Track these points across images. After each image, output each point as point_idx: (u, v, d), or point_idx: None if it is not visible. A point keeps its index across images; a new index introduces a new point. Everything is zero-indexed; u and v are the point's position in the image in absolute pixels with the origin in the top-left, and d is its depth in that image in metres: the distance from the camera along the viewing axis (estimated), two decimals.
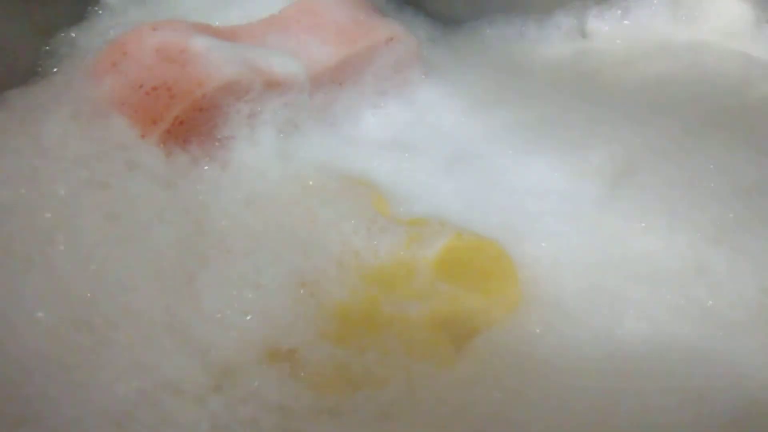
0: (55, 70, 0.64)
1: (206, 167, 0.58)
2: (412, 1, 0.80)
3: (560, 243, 0.58)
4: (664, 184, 0.62)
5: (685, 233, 0.58)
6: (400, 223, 0.57)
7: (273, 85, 0.60)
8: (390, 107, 0.70)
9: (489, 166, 0.66)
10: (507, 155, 0.67)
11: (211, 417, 0.46)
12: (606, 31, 0.81)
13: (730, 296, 0.54)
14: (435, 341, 0.52)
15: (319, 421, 0.47)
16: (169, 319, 0.50)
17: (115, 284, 0.50)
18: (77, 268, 0.50)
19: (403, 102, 0.71)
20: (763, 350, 0.51)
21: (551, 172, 0.65)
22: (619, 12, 0.81)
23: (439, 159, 0.66)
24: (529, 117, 0.71)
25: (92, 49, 0.62)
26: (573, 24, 0.81)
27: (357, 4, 0.68)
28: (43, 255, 0.51)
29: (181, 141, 0.57)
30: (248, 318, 0.50)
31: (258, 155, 0.60)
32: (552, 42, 0.80)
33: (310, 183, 0.59)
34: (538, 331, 0.52)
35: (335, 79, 0.65)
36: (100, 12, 0.71)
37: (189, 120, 0.57)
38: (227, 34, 0.63)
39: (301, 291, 0.52)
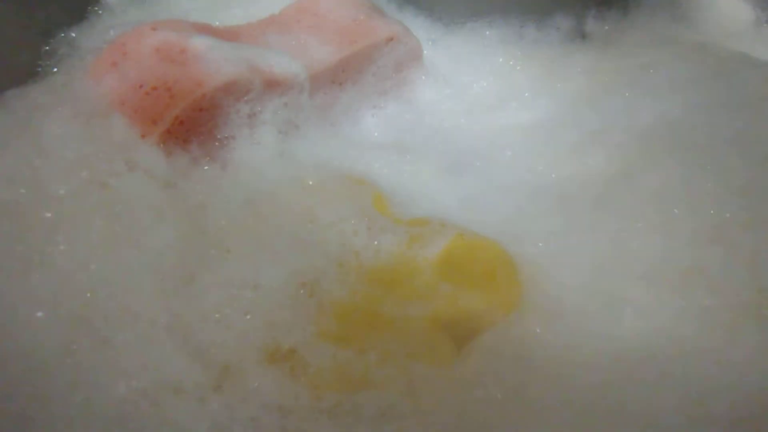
0: (55, 70, 0.64)
1: (206, 167, 0.58)
2: (413, 2, 0.80)
3: (559, 243, 0.58)
4: (662, 185, 0.62)
5: (683, 233, 0.58)
6: (401, 223, 0.57)
7: (273, 85, 0.60)
8: (390, 107, 0.70)
9: (488, 167, 0.66)
10: (506, 156, 0.67)
11: (211, 417, 0.46)
12: (605, 32, 0.81)
13: (727, 296, 0.54)
14: (435, 341, 0.52)
15: (318, 421, 0.47)
16: (169, 319, 0.50)
17: (115, 284, 0.50)
18: (77, 268, 0.50)
19: (403, 102, 0.71)
20: (761, 350, 0.51)
21: (550, 173, 0.65)
22: (619, 13, 0.81)
23: (438, 160, 0.66)
24: (529, 118, 0.71)
25: (92, 49, 0.62)
26: (572, 25, 0.81)
27: (357, 4, 0.68)
28: (43, 255, 0.51)
29: (181, 141, 0.57)
30: (248, 318, 0.50)
31: (258, 155, 0.60)
32: (551, 43, 0.81)
33: (310, 183, 0.59)
34: (538, 331, 0.52)
35: (335, 79, 0.66)
36: (100, 12, 0.71)
37: (189, 120, 0.57)
38: (227, 34, 0.63)
39: (301, 291, 0.52)
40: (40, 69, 0.64)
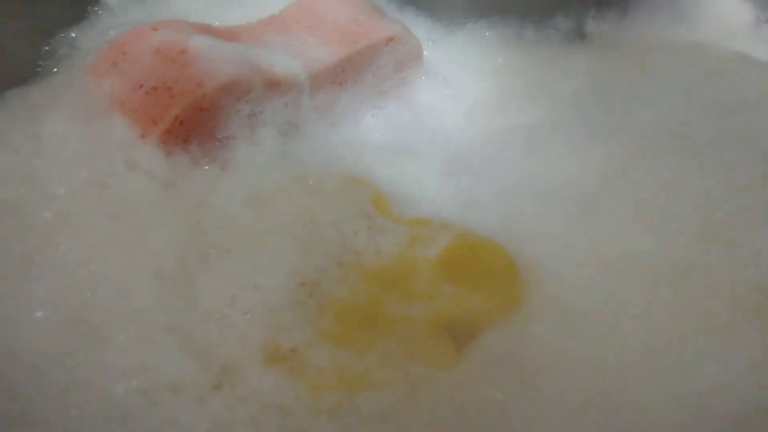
0: (55, 70, 0.64)
1: (206, 167, 0.58)
2: (413, 2, 0.80)
3: (559, 244, 0.58)
4: (662, 185, 0.62)
5: (682, 233, 0.58)
6: (401, 223, 0.57)
7: (273, 85, 0.60)
8: (390, 108, 0.70)
9: (488, 168, 0.66)
10: (506, 157, 0.67)
11: (211, 417, 0.46)
12: (605, 32, 0.81)
13: (726, 295, 0.54)
14: (436, 342, 0.52)
15: (318, 421, 0.47)
16: (169, 319, 0.50)
17: (115, 284, 0.50)
18: (77, 268, 0.50)
19: (403, 102, 0.71)
20: (760, 349, 0.51)
21: (550, 173, 0.65)
22: (618, 13, 0.81)
23: (438, 160, 0.67)
24: (528, 119, 0.71)
25: (92, 49, 0.62)
26: (572, 25, 0.81)
27: (357, 4, 0.68)
28: (43, 255, 0.51)
29: (181, 141, 0.57)
30: (248, 318, 0.50)
31: (258, 155, 0.60)
32: (551, 44, 0.81)
33: (310, 183, 0.59)
34: (538, 331, 0.52)
35: (335, 79, 0.65)
36: (100, 12, 0.71)
37: (189, 120, 0.57)
38: (227, 34, 0.63)
39: (301, 291, 0.52)
40: (40, 69, 0.64)
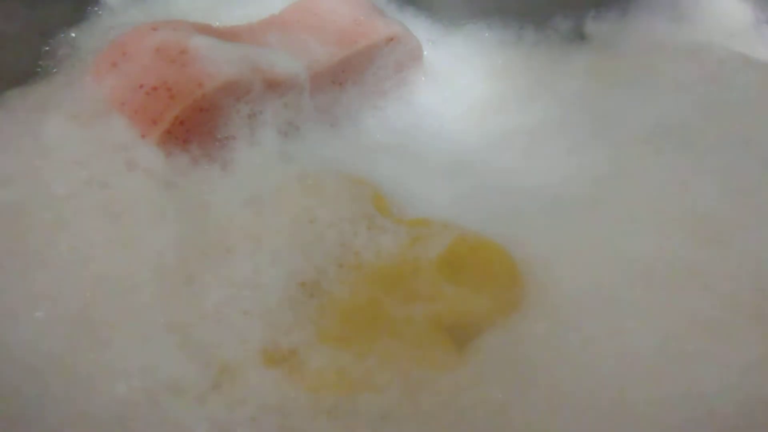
0: (55, 70, 0.64)
1: (206, 167, 0.58)
2: (413, 2, 0.80)
3: (559, 244, 0.58)
4: (661, 185, 0.62)
5: (682, 234, 0.58)
6: (401, 224, 0.57)
7: (273, 86, 0.60)
8: (390, 108, 0.70)
9: (488, 169, 0.66)
10: (506, 157, 0.67)
11: (210, 417, 0.46)
12: (605, 33, 0.81)
13: (724, 296, 0.54)
14: (436, 343, 0.52)
15: (318, 421, 0.47)
16: (169, 319, 0.50)
17: (115, 284, 0.50)
18: (77, 268, 0.50)
19: (403, 103, 0.71)
20: (758, 350, 0.51)
21: (550, 174, 0.65)
22: (618, 14, 0.81)
23: (438, 160, 0.67)
24: (528, 119, 0.71)
25: (92, 49, 0.62)
26: (571, 26, 0.81)
27: (357, 4, 0.68)
28: (43, 255, 0.51)
29: (181, 141, 0.57)
30: (248, 318, 0.50)
31: (258, 155, 0.60)
32: (550, 44, 0.81)
33: (310, 183, 0.59)
34: (539, 331, 0.52)
35: (335, 80, 0.66)
36: (100, 12, 0.71)
37: (189, 120, 0.57)
38: (227, 34, 0.63)
39: (301, 291, 0.52)
40: (40, 69, 0.64)
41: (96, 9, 0.71)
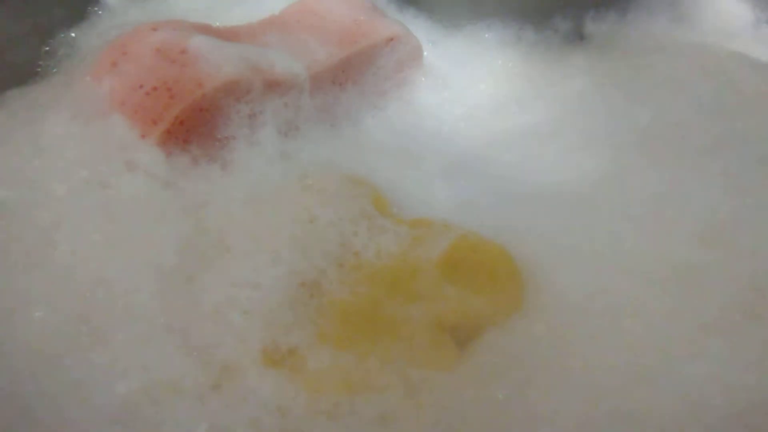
0: (55, 70, 0.64)
1: (206, 167, 0.58)
2: (413, 3, 0.80)
3: (559, 244, 0.58)
4: (661, 185, 0.62)
5: (681, 234, 0.58)
6: (401, 224, 0.57)
7: (273, 86, 0.60)
8: (390, 108, 0.70)
9: (488, 169, 0.66)
10: (506, 157, 0.68)
11: (210, 417, 0.46)
12: (604, 33, 0.81)
13: (723, 296, 0.54)
14: (437, 343, 0.52)
15: (318, 421, 0.47)
16: (169, 319, 0.49)
17: (115, 284, 0.50)
18: (77, 268, 0.50)
19: (403, 103, 0.71)
20: (756, 349, 0.51)
21: (549, 174, 0.65)
22: (617, 14, 0.81)
23: (438, 160, 0.67)
24: (528, 120, 0.72)
25: (92, 49, 0.62)
26: (571, 27, 0.81)
27: (357, 4, 0.68)
28: (43, 255, 0.51)
29: (181, 141, 0.57)
30: (248, 318, 0.50)
31: (258, 155, 0.60)
32: (550, 45, 0.81)
33: (310, 183, 0.59)
34: (539, 331, 0.52)
35: (335, 80, 0.66)
36: (100, 12, 0.71)
37: (189, 120, 0.57)
38: (227, 34, 0.63)
39: (301, 291, 0.52)
40: (40, 69, 0.64)
41: (96, 9, 0.71)
